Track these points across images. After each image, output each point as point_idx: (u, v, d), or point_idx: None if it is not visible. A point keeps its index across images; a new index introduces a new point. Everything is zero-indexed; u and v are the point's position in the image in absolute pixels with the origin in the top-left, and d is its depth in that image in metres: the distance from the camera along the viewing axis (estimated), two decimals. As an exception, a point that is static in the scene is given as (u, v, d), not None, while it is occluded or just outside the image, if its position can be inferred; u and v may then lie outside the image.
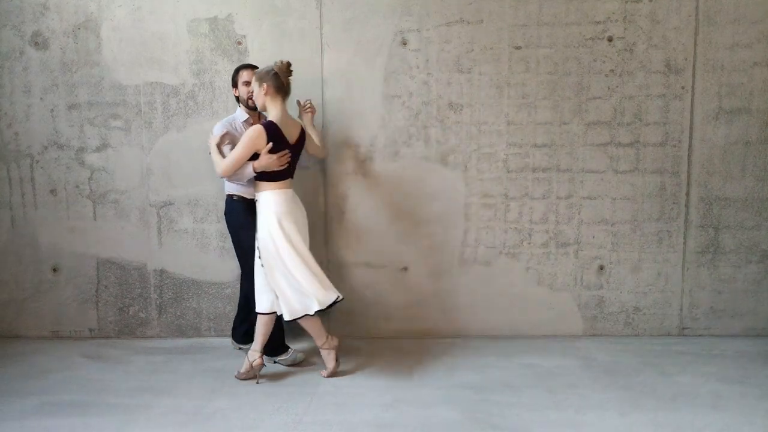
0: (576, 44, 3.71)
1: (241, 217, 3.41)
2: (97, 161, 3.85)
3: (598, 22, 3.69)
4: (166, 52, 3.77)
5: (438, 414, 2.84)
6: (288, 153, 3.15)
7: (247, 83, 3.38)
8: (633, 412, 2.84)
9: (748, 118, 3.73)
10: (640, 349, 3.67)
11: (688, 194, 3.80)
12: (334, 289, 3.23)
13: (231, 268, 3.88)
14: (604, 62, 3.71)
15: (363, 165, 3.84)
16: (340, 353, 3.40)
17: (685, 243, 3.84)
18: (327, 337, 3.30)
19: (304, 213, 3.30)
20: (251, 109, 3.42)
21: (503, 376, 3.27)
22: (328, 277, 3.87)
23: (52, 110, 3.83)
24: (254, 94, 3.21)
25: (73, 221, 3.90)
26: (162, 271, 3.90)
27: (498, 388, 3.12)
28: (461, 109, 3.78)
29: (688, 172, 3.79)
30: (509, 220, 3.85)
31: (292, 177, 3.26)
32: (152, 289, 3.92)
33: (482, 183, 3.82)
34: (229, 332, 3.82)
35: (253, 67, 3.42)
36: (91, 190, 3.88)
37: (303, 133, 3.29)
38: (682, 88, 3.72)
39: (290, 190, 3.24)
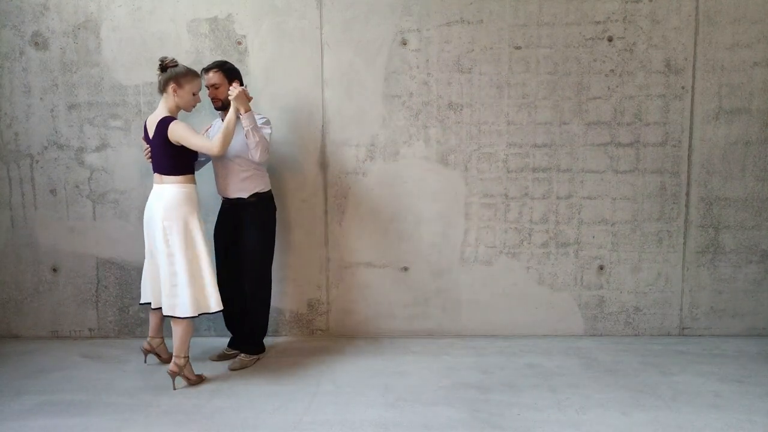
0: (576, 44, 3.71)
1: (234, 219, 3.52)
2: (96, 161, 3.85)
3: (598, 22, 3.69)
4: (166, 52, 3.75)
5: (440, 413, 2.84)
6: (147, 147, 3.32)
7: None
8: (634, 411, 2.84)
9: (748, 118, 3.74)
10: (640, 349, 3.67)
11: (688, 194, 3.81)
12: (148, 295, 3.35)
13: (231, 268, 3.88)
14: (604, 62, 3.72)
15: (363, 165, 3.84)
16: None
17: (685, 243, 3.84)
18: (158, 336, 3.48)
19: (159, 212, 3.12)
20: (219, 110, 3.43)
21: (505, 376, 3.27)
22: (328, 276, 3.89)
23: (51, 110, 3.82)
24: None
25: (72, 221, 3.89)
26: (162, 271, 3.89)
27: (499, 388, 3.11)
28: (461, 109, 3.78)
29: (688, 172, 3.79)
30: (509, 219, 3.85)
31: (158, 172, 3.19)
32: (152, 289, 3.91)
33: (482, 183, 3.83)
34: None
35: (214, 68, 3.37)
36: (90, 190, 3.87)
37: (157, 128, 3.14)
38: (682, 88, 3.73)
39: (156, 186, 3.21)
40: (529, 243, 3.86)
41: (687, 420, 2.75)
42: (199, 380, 3.24)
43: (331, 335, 3.96)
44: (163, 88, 3.17)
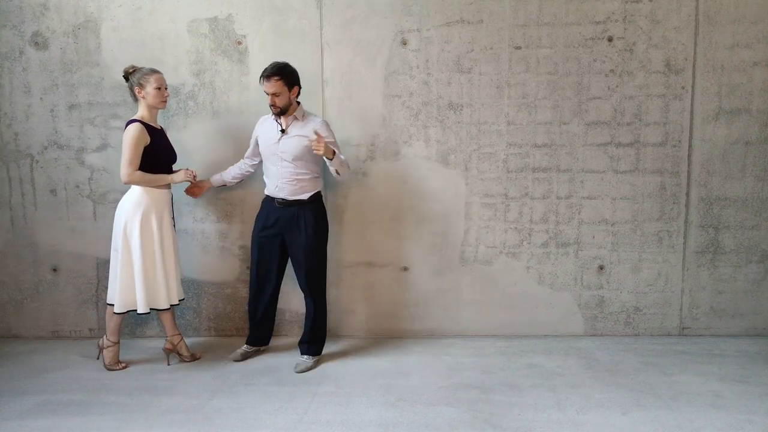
0: (576, 44, 3.71)
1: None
2: (97, 161, 3.85)
3: (598, 22, 3.69)
4: (166, 52, 3.76)
5: (440, 413, 2.84)
6: None
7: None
8: (634, 411, 2.84)
9: (748, 118, 3.74)
10: (640, 348, 3.67)
11: (688, 194, 3.81)
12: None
13: (231, 267, 3.88)
14: (604, 62, 3.72)
15: (364, 164, 3.84)
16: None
17: (685, 243, 3.84)
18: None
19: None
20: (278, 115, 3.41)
21: (505, 376, 3.27)
22: (328, 276, 3.90)
23: (52, 110, 3.82)
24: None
25: (73, 221, 3.89)
26: (162, 272, 3.88)
27: (500, 388, 3.12)
28: (461, 109, 3.78)
29: (688, 172, 3.79)
30: (509, 219, 3.85)
31: None
32: (152, 289, 3.91)
33: (482, 183, 3.83)
34: (229, 332, 3.83)
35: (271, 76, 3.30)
36: (91, 190, 3.87)
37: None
38: (682, 88, 3.73)
39: None
40: (529, 243, 3.86)
41: (687, 420, 2.76)
42: (115, 365, 3.43)
43: (331, 335, 3.95)
44: (132, 96, 3.38)
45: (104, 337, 3.47)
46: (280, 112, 3.34)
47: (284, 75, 3.27)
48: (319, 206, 3.51)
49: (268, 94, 3.28)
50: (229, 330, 3.88)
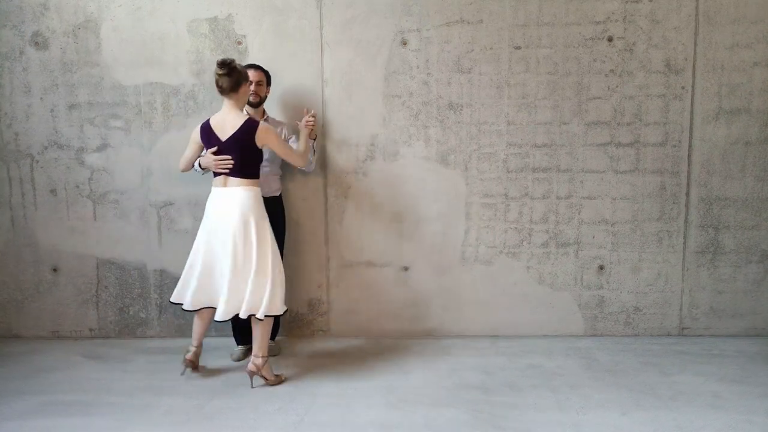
0: (576, 44, 3.71)
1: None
2: (97, 161, 3.85)
3: (598, 22, 3.69)
4: (166, 52, 3.76)
5: (441, 414, 2.84)
6: (212, 150, 3.13)
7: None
8: (634, 411, 2.85)
9: (748, 118, 3.74)
10: (640, 349, 3.67)
11: (688, 194, 3.81)
12: (199, 301, 3.21)
13: (231, 268, 3.88)
14: (604, 62, 3.72)
15: (363, 165, 3.84)
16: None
17: (685, 243, 3.84)
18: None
19: (231, 216, 3.09)
20: (252, 105, 3.49)
21: (506, 376, 3.27)
22: (328, 276, 3.90)
23: (52, 110, 3.82)
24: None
25: (73, 221, 3.89)
26: (162, 271, 3.89)
27: (501, 388, 3.12)
28: (461, 109, 3.78)
29: (688, 172, 3.79)
30: (509, 219, 3.85)
31: (229, 174, 3.12)
32: (152, 289, 3.92)
33: (482, 183, 3.83)
34: (229, 332, 3.83)
35: (256, 67, 3.50)
36: (91, 190, 3.87)
37: (240, 131, 3.07)
38: (682, 88, 3.73)
39: (220, 188, 3.15)
40: (529, 243, 3.86)
41: (686, 420, 2.76)
42: (278, 380, 3.20)
43: (331, 335, 3.96)
44: (234, 89, 3.07)
45: (252, 360, 3.13)
46: (259, 102, 3.49)
47: (265, 71, 3.54)
48: (282, 203, 3.72)
49: (251, 81, 3.41)
50: (230, 330, 3.88)
